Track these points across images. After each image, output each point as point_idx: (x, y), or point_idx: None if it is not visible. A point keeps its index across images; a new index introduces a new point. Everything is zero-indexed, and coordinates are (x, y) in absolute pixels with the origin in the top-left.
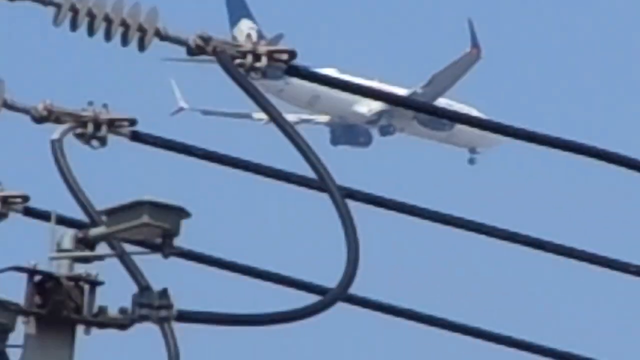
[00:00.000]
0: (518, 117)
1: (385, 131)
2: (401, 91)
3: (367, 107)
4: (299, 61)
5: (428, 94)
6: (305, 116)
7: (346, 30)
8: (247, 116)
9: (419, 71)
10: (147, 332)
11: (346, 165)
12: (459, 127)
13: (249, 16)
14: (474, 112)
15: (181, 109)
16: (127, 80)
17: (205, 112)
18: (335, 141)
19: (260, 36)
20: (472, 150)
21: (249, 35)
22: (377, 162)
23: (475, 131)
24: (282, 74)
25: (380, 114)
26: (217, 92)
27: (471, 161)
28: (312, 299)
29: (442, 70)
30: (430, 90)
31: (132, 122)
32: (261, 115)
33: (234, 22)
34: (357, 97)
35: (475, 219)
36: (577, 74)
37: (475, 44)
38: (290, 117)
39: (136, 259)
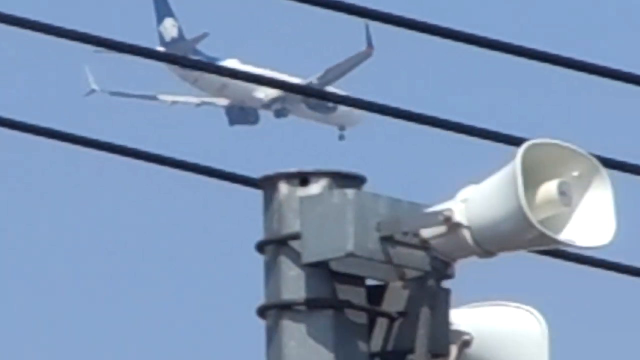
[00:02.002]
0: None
1: (279, 114)
2: (298, 80)
3: (264, 93)
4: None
5: (321, 84)
6: (206, 99)
7: (251, 25)
8: (154, 98)
9: (316, 64)
10: None
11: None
12: (339, 110)
13: (172, 15)
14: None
15: (93, 91)
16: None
17: (114, 94)
18: (231, 122)
19: (181, 34)
20: (342, 128)
21: None
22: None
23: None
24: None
25: (275, 100)
26: (127, 76)
27: (340, 137)
28: None
29: (336, 65)
30: (323, 82)
31: None
32: (167, 97)
33: (159, 19)
34: (256, 86)
35: None
36: None
37: (370, 44)
38: (194, 100)
39: None
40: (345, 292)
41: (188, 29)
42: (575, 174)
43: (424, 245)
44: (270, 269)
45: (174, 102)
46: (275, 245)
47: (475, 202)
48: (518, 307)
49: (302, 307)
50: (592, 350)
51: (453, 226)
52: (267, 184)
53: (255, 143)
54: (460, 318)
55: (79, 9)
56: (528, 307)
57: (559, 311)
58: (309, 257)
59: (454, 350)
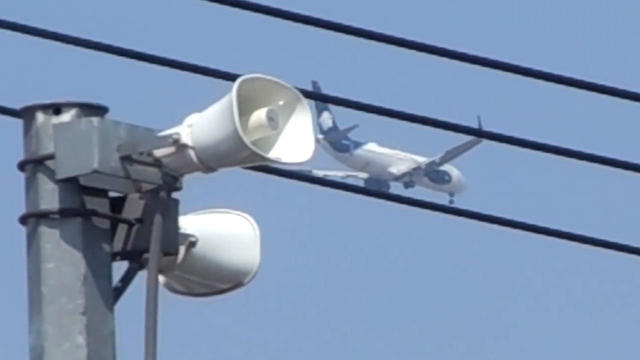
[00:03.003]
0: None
1: (407, 185)
2: (423, 159)
3: (397, 169)
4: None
5: (440, 162)
6: (351, 173)
7: (385, 118)
8: (309, 172)
9: (435, 147)
10: None
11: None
12: (452, 182)
13: (328, 109)
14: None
15: None
16: None
17: None
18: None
19: (335, 125)
20: (451, 195)
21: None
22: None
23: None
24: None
25: (404, 174)
26: None
27: (450, 202)
28: None
29: (453, 148)
30: (442, 161)
31: None
32: (320, 172)
33: (319, 113)
34: (391, 161)
35: None
36: None
37: (480, 128)
38: (340, 173)
39: None
40: (92, 203)
41: (340, 120)
42: (281, 103)
43: (157, 163)
44: (30, 184)
45: (325, 175)
46: (33, 164)
47: (199, 126)
48: (235, 214)
49: (56, 216)
50: (297, 247)
51: (180, 147)
52: (26, 114)
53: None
54: (187, 223)
55: None
56: (243, 214)
57: (269, 217)
58: (61, 174)
59: (182, 249)
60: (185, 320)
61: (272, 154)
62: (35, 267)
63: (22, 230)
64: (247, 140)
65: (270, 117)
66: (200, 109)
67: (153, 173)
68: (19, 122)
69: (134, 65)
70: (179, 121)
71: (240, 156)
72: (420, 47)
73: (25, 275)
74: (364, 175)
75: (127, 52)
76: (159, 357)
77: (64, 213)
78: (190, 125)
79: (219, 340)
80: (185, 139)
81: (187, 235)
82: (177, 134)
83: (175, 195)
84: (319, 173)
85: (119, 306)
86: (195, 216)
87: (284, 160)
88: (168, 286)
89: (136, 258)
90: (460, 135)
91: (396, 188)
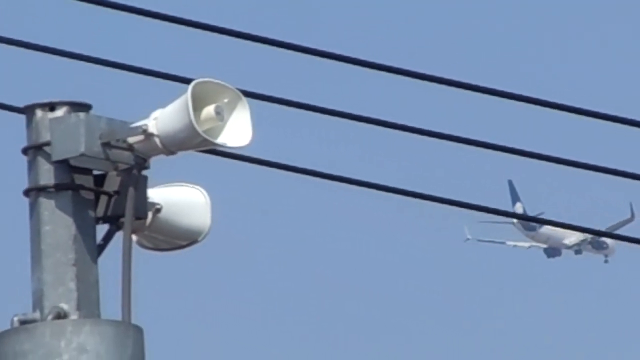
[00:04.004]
0: None
1: (577, 252)
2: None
3: (569, 240)
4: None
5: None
6: (534, 244)
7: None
8: (504, 242)
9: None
10: None
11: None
12: (610, 248)
13: (520, 200)
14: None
15: (468, 239)
16: None
17: (481, 241)
18: (548, 256)
19: (525, 211)
20: (606, 256)
21: None
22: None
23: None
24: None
25: (575, 244)
26: (493, 231)
27: (605, 262)
28: None
29: (615, 224)
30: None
31: None
32: (511, 242)
33: (513, 203)
34: (565, 236)
35: None
36: None
37: (632, 213)
38: (526, 244)
39: None
40: (80, 179)
41: (529, 207)
42: (226, 100)
43: (130, 148)
44: (32, 165)
45: (515, 245)
46: (34, 150)
47: (162, 119)
48: (190, 186)
49: (52, 189)
50: (240, 214)
51: (148, 135)
52: (28, 111)
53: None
54: (154, 194)
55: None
56: (197, 186)
57: (216, 189)
58: (56, 157)
59: (150, 215)
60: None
61: (219, 140)
62: (35, 229)
63: (26, 201)
64: (199, 129)
65: (218, 112)
66: (163, 105)
67: (127, 156)
68: (22, 118)
69: (113, 72)
70: (147, 115)
71: (194, 142)
72: None
73: (29, 236)
74: (544, 245)
75: (108, 63)
76: (132, 299)
77: (58, 187)
78: (155, 118)
79: (183, 289)
80: (152, 129)
81: (154, 204)
82: (146, 125)
83: (144, 172)
84: (510, 243)
85: (101, 259)
86: (160, 188)
87: (228, 144)
88: (139, 243)
89: (114, 222)
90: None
91: (568, 254)
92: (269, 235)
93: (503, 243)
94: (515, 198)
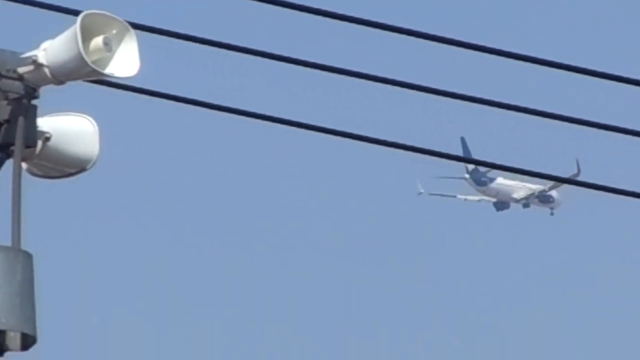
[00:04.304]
0: None
1: (524, 205)
2: (535, 187)
3: (517, 194)
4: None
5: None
6: (485, 198)
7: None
8: (454, 196)
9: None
10: None
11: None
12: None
13: (472, 156)
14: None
15: (421, 193)
16: None
17: (433, 194)
18: (497, 209)
19: (477, 168)
20: (552, 209)
21: None
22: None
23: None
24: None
25: (523, 198)
26: (445, 186)
27: (551, 214)
28: None
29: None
30: (549, 188)
31: None
32: (462, 196)
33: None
34: (514, 190)
35: None
36: None
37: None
38: (476, 198)
39: None
40: None
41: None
42: (114, 32)
43: (20, 78)
44: None
45: (465, 199)
46: None
47: (52, 50)
48: (79, 115)
49: None
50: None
51: (38, 66)
52: None
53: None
54: (44, 123)
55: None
56: (85, 115)
57: (105, 118)
58: None
59: (39, 143)
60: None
61: (108, 70)
62: None
63: None
64: (88, 60)
65: (106, 43)
66: (53, 36)
67: (17, 85)
68: None
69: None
70: (37, 46)
71: (83, 72)
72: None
73: None
74: (494, 199)
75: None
76: (22, 226)
77: None
78: (45, 49)
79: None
80: (42, 59)
81: (43, 132)
82: (35, 55)
83: (34, 102)
84: (461, 197)
85: None
86: (50, 118)
87: (116, 75)
88: (29, 171)
89: (5, 150)
90: (561, 173)
91: (516, 207)
92: (158, 164)
93: (454, 197)
94: (467, 154)
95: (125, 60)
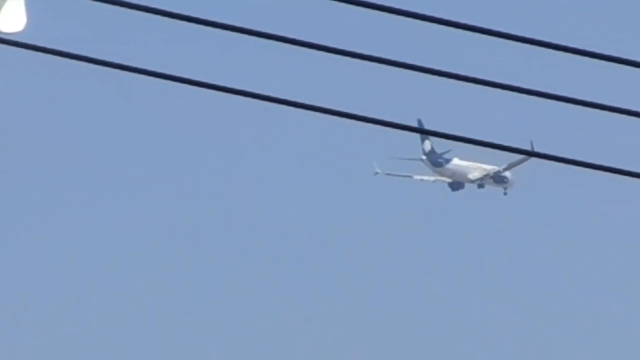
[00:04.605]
0: None
1: (479, 186)
2: (489, 167)
3: (472, 175)
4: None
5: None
6: (440, 178)
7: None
8: (410, 177)
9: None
10: None
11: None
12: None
13: (428, 138)
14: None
15: (377, 173)
16: None
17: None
18: (453, 189)
19: (433, 149)
20: (505, 189)
21: None
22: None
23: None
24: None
25: (478, 179)
26: (403, 167)
27: (505, 194)
28: None
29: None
30: (504, 169)
31: None
32: (418, 177)
33: (422, 140)
34: (469, 171)
35: None
36: None
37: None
38: (432, 178)
39: None
40: None
41: (437, 145)
42: None
43: None
44: None
45: (421, 179)
46: None
47: None
48: None
49: None
50: None
51: None
52: None
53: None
54: None
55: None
56: None
57: None
58: None
59: None
60: None
61: None
62: None
63: None
64: None
65: None
66: None
67: None
68: None
69: None
70: None
71: None
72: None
73: None
74: (450, 180)
75: None
76: None
77: None
78: None
79: None
80: None
81: None
82: None
83: None
84: (417, 177)
85: None
86: None
87: (2, 30)
88: None
89: None
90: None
91: (471, 187)
92: (44, 123)
93: (410, 177)
94: (424, 136)
95: (12, 16)
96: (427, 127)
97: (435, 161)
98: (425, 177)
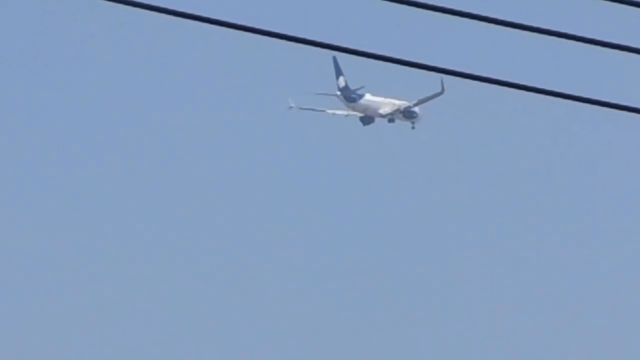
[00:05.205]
0: None
1: (390, 120)
2: (399, 102)
3: (383, 110)
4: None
5: (413, 106)
6: (352, 113)
7: (380, 79)
8: (323, 111)
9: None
10: None
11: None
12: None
13: (342, 74)
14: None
15: (291, 107)
16: None
17: (303, 109)
18: (364, 124)
19: (347, 85)
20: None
21: None
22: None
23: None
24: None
25: (389, 114)
26: (320, 102)
27: (390, 121)
28: None
29: (425, 97)
30: (414, 105)
31: None
32: (331, 111)
33: (337, 76)
34: (381, 106)
35: None
36: None
37: (443, 87)
38: (344, 113)
39: None
40: None
41: (351, 81)
42: None
43: None
44: None
45: (334, 113)
46: None
47: None
48: None
49: None
50: None
51: None
52: None
53: (367, 131)
54: None
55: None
56: None
57: None
58: None
59: None
60: None
61: None
62: None
63: None
64: None
65: None
66: None
67: None
68: None
69: None
70: None
71: None
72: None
73: None
74: (361, 114)
75: None
76: None
77: None
78: None
79: None
80: None
81: None
82: None
83: None
84: (330, 112)
85: None
86: None
87: None
88: None
89: None
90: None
91: (381, 122)
92: None
93: (323, 111)
94: (338, 72)
95: None
96: (340, 62)
97: (349, 97)
98: (338, 112)
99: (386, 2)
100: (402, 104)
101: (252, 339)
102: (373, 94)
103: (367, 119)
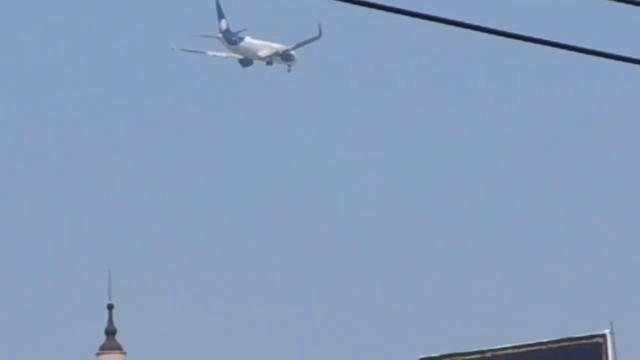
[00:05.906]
0: None
1: (268, 63)
2: (278, 46)
3: (262, 52)
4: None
5: (291, 49)
6: (232, 55)
7: (261, 22)
8: (204, 52)
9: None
10: None
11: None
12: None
13: (224, 17)
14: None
15: (173, 49)
16: None
17: (184, 50)
18: (243, 66)
19: (229, 28)
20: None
21: None
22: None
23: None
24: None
25: (267, 56)
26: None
27: (289, 71)
28: None
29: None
30: (292, 48)
31: None
32: (211, 52)
33: (219, 19)
34: (260, 49)
35: None
36: None
37: (320, 32)
38: (224, 55)
39: None
40: None
41: (233, 24)
42: None
43: None
44: None
45: (214, 55)
46: None
47: None
48: None
49: None
50: None
51: None
52: None
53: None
54: None
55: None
56: None
57: None
58: None
59: None
60: None
61: None
62: None
63: None
64: None
65: None
66: None
67: None
68: None
69: None
70: None
71: None
72: None
73: None
74: (241, 56)
75: None
76: None
77: None
78: None
79: None
80: None
81: None
82: None
83: None
84: (210, 53)
85: None
86: None
87: None
88: None
89: None
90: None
91: (259, 64)
92: None
93: (204, 53)
94: (220, 15)
95: None
96: (222, 5)
97: (230, 39)
98: (218, 54)
99: None
100: (280, 47)
101: (252, 339)
102: (253, 37)
103: (246, 61)
